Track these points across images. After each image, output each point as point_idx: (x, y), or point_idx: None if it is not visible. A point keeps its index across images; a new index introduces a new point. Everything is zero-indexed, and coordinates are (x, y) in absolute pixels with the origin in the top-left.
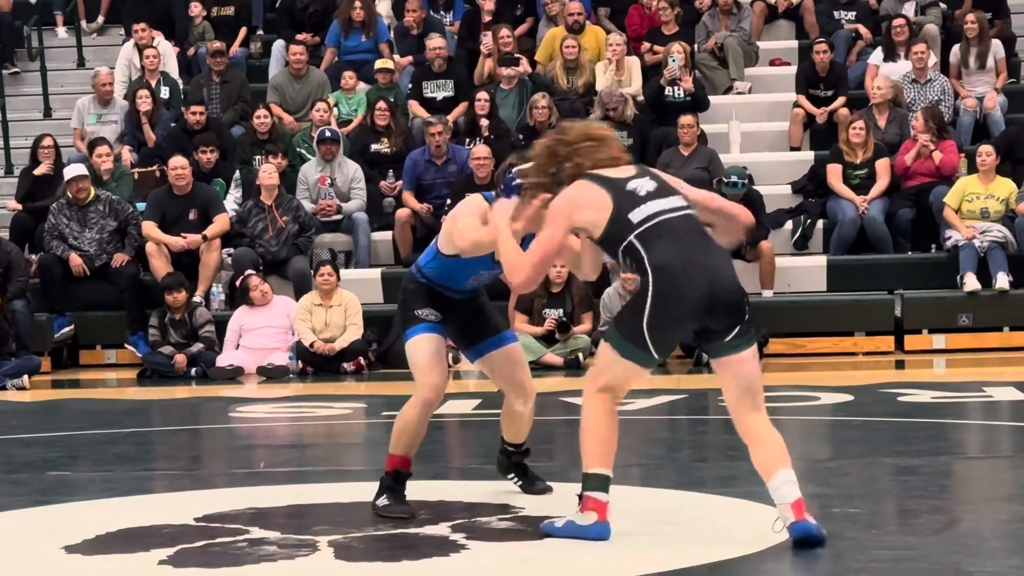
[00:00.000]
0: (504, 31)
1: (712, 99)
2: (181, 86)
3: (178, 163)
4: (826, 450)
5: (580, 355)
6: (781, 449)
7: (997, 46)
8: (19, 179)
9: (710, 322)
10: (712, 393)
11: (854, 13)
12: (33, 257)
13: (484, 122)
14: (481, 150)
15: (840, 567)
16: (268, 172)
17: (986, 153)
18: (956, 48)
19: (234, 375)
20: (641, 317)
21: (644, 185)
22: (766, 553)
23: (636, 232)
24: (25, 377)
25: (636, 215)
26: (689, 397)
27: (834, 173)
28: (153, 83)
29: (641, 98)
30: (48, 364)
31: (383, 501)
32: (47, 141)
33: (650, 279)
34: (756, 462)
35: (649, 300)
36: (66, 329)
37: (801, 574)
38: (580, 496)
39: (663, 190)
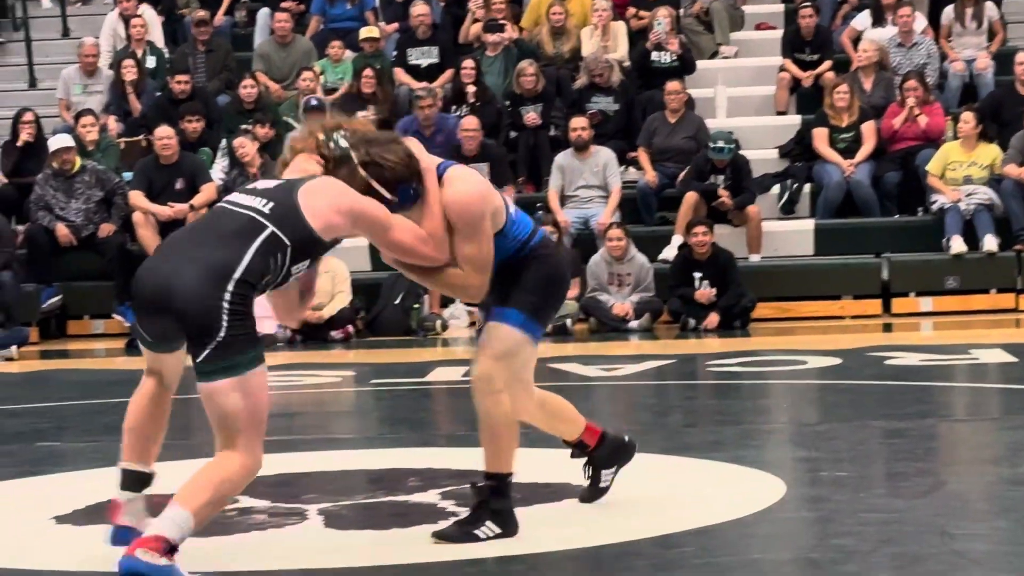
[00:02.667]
0: None
1: (698, 64)
2: (167, 55)
3: (164, 133)
4: (814, 414)
5: (568, 321)
6: (195, 488)
7: (991, 7)
8: (2, 151)
9: (174, 327)
10: (700, 358)
11: None
12: (20, 228)
13: (470, 89)
14: (470, 121)
15: (828, 530)
16: (241, 145)
17: (965, 120)
18: (949, 9)
19: None
20: None
21: (267, 182)
22: (753, 518)
23: None
24: (13, 348)
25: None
26: (678, 362)
27: (820, 137)
28: (139, 53)
29: (627, 63)
30: (36, 335)
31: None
32: (27, 116)
33: None
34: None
35: None
36: (54, 300)
37: (788, 538)
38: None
39: (271, 190)
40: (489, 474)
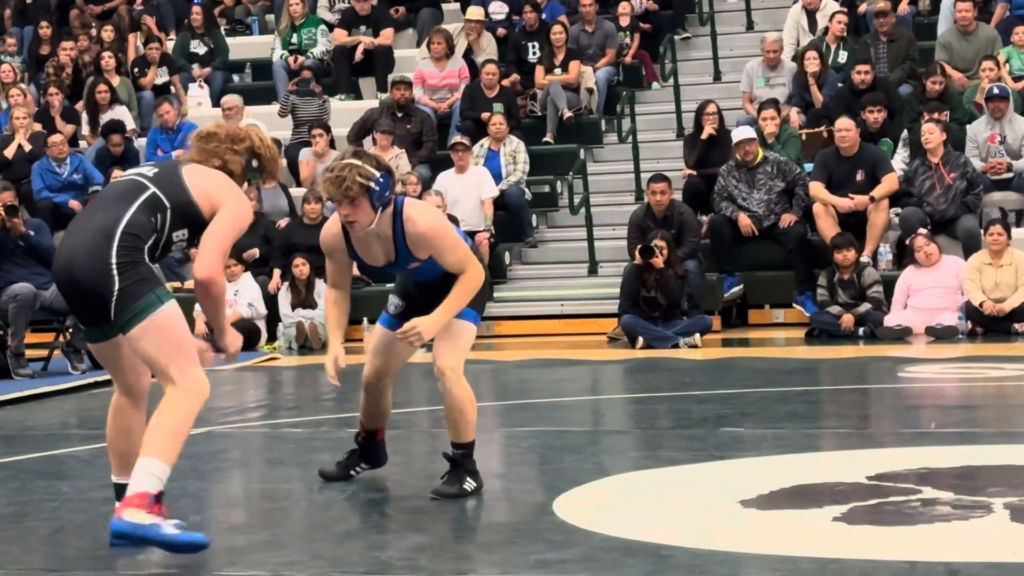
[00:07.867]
0: None
1: None
2: (849, 46)
3: (845, 124)
4: None
5: None
6: (154, 435)
7: None
8: (686, 143)
9: (91, 303)
10: None
11: None
12: (704, 218)
13: None
14: None
15: None
16: (929, 131)
17: None
18: None
19: (902, 335)
20: None
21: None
22: None
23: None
24: (697, 335)
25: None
26: None
27: None
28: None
29: None
30: (718, 323)
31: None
32: (711, 108)
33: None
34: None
35: None
36: (736, 288)
37: None
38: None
39: (158, 163)
40: (456, 444)
